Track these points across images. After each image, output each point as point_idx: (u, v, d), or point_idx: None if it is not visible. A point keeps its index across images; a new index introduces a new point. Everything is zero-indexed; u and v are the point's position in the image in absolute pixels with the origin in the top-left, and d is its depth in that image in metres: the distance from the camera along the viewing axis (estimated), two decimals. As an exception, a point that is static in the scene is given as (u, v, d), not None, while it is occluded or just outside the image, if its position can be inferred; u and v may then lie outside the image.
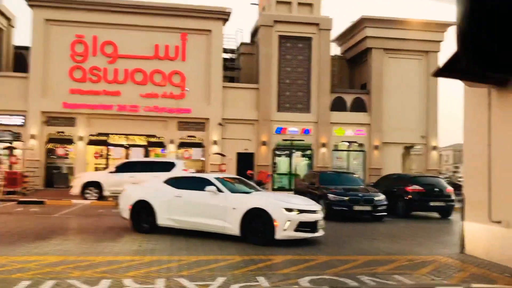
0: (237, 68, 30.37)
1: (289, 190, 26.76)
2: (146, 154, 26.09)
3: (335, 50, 31.72)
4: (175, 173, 16.22)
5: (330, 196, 14.89)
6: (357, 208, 14.62)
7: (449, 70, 7.25)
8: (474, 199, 8.87)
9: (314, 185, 16.39)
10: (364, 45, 28.79)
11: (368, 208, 14.67)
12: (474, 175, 9.00)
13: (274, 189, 26.56)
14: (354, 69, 31.51)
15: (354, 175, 17.63)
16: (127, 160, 21.99)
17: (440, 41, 28.84)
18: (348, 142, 28.31)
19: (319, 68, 27.45)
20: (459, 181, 36.53)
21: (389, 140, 28.28)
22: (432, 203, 16.16)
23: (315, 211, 10.00)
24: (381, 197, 15.05)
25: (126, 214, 11.13)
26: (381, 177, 19.79)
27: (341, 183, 16.06)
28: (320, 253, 9.04)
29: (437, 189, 16.36)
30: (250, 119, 26.72)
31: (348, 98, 28.38)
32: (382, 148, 28.09)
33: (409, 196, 16.36)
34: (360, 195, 14.84)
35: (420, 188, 16.24)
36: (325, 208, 14.63)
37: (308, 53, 27.68)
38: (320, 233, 10.00)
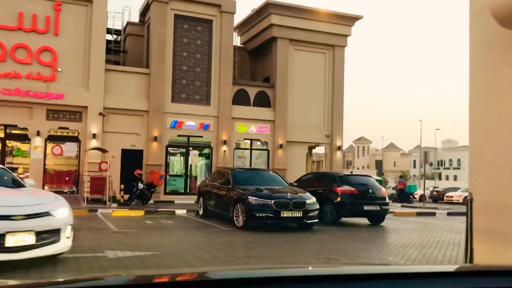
0: (123, 51, 25.79)
1: (185, 193, 22.96)
2: (2, 149, 20.50)
3: (235, 40, 28.62)
4: None
5: (251, 199, 11.54)
6: (285, 214, 11.45)
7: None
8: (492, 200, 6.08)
9: (227, 185, 12.92)
10: (269, 34, 26.09)
11: (298, 214, 11.57)
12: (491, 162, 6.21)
13: (166, 193, 22.54)
14: (256, 61, 28.73)
15: (276, 175, 14.49)
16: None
17: (347, 35, 27.24)
18: (251, 140, 25.33)
19: (220, 56, 24.10)
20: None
21: (293, 139, 25.85)
22: (366, 207, 13.62)
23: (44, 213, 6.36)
24: (312, 199, 12.09)
25: None
26: (302, 176, 16.96)
27: (262, 183, 12.82)
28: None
29: (370, 191, 13.87)
30: (139, 109, 22.41)
31: (252, 92, 25.44)
32: (286, 147, 25.55)
33: (338, 199, 13.66)
34: (288, 197, 11.70)
35: (352, 189, 13.63)
36: (244, 215, 11.26)
37: (208, 38, 24.19)
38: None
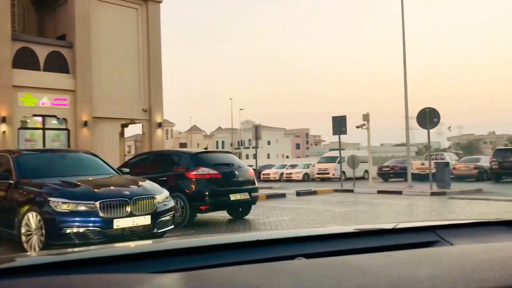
0: None
1: None
2: None
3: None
4: None
5: (55, 202, 6.31)
6: (122, 224, 6.53)
7: None
8: None
9: (6, 180, 7.28)
10: (62, -24, 19.70)
11: (145, 221, 6.76)
12: None
13: None
14: (45, 14, 21.85)
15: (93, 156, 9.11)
16: None
17: (164, -13, 22.46)
18: (43, 116, 18.81)
19: (-10, -3, 16.95)
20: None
21: (102, 115, 20.17)
22: (233, 196, 9.43)
23: None
24: (163, 194, 7.39)
25: None
26: (132, 157, 11.83)
27: (71, 172, 7.56)
28: None
29: (237, 173, 9.70)
30: None
31: (42, 52, 18.82)
32: (93, 125, 19.75)
33: (194, 188, 9.22)
34: (125, 193, 6.76)
35: (214, 172, 9.29)
36: (44, 233, 6.03)
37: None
38: None
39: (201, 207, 9.19)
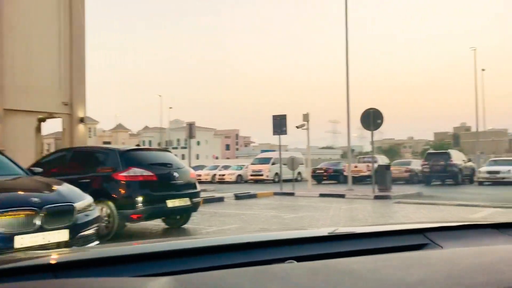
0: None
1: None
2: None
3: None
4: None
5: None
6: (25, 241, 4.90)
7: None
8: None
9: None
10: None
11: (59, 236, 5.17)
12: None
13: None
14: None
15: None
16: None
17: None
18: None
19: None
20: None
21: (15, 107, 17.69)
22: (171, 203, 7.94)
23: None
24: (85, 200, 5.81)
25: None
26: (45, 156, 9.91)
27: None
28: None
29: (176, 175, 8.20)
30: None
31: None
32: (4, 119, 17.28)
33: (123, 192, 7.67)
34: (33, 201, 5.11)
35: (148, 173, 7.76)
36: None
37: None
38: None
39: (132, 216, 7.62)
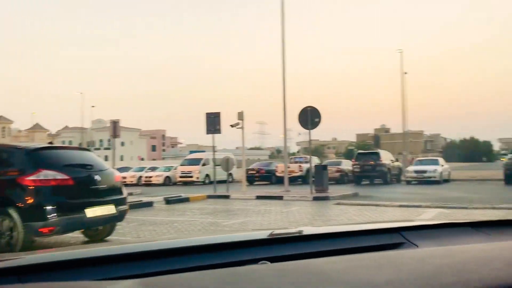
0: None
1: None
2: None
3: None
4: None
5: None
6: None
7: None
8: None
9: None
10: None
11: None
12: None
13: None
14: None
15: None
16: None
17: None
18: None
19: None
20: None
21: None
22: (90, 212, 6.61)
23: None
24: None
25: None
26: None
27: None
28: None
29: (97, 178, 6.85)
30: None
31: None
32: None
33: (31, 200, 6.25)
34: None
35: (64, 176, 6.39)
36: None
37: None
38: None
39: (41, 230, 6.20)
